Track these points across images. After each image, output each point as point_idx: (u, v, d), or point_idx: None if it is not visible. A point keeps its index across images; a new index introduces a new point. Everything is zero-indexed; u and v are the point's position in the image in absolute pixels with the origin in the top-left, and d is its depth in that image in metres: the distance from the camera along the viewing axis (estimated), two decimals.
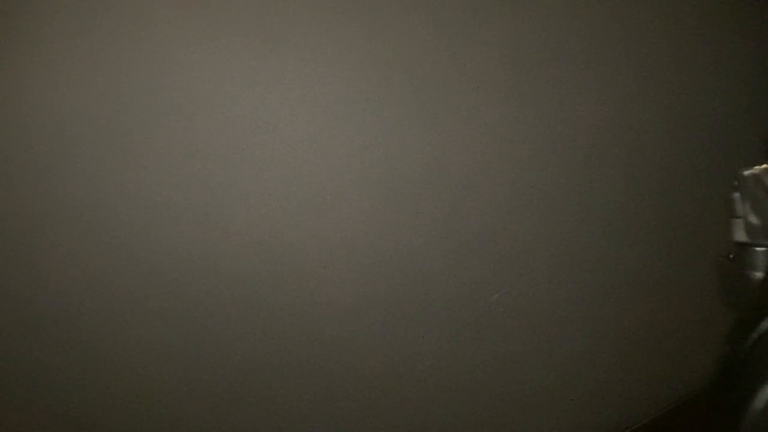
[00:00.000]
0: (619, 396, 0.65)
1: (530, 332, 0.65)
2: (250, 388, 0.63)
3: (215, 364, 0.62)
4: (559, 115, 0.64)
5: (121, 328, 0.62)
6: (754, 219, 0.41)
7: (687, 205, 0.64)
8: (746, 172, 0.41)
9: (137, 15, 0.61)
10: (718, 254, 0.44)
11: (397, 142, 0.64)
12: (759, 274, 0.41)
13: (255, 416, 0.64)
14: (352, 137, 0.64)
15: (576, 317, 0.65)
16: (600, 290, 0.64)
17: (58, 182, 0.62)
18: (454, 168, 0.65)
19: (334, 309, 0.64)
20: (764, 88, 0.64)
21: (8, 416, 0.57)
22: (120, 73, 0.62)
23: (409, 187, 0.65)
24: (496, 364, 0.66)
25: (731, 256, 0.43)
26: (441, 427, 0.64)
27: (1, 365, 0.58)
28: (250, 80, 0.62)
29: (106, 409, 0.63)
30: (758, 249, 0.41)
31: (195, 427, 0.63)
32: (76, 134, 0.62)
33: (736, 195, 0.42)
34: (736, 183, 0.42)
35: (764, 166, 0.41)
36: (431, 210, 0.65)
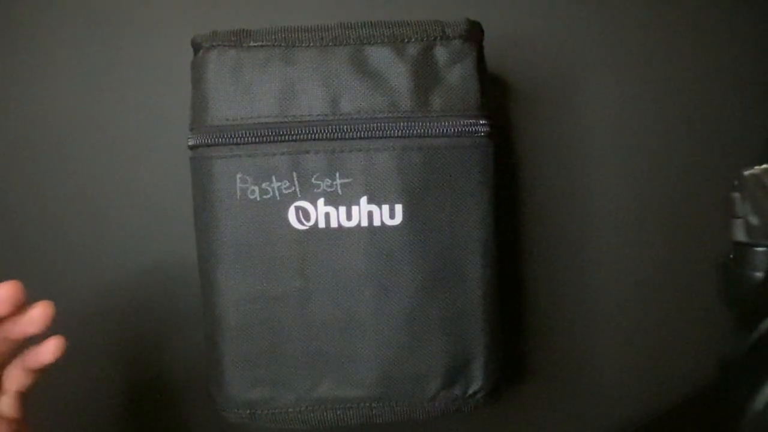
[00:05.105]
0: (619, 396, 0.65)
1: (529, 333, 0.65)
2: None
3: None
4: (556, 114, 0.64)
5: (119, 327, 0.62)
6: (754, 219, 0.41)
7: (687, 205, 0.64)
8: (746, 172, 0.41)
9: (138, 14, 0.61)
10: (718, 254, 0.44)
11: None
12: (759, 274, 0.41)
13: None
14: None
15: (575, 317, 0.65)
16: (598, 290, 0.65)
17: (58, 182, 0.62)
18: None
19: None
20: (764, 88, 0.64)
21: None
22: (121, 72, 0.62)
23: None
24: None
25: (731, 256, 0.43)
26: (441, 426, 0.64)
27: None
28: None
29: (110, 409, 0.63)
30: (758, 249, 0.41)
31: (197, 426, 0.64)
32: (76, 134, 0.62)
33: (736, 195, 0.42)
34: (736, 183, 0.42)
35: (764, 166, 0.41)
36: None
